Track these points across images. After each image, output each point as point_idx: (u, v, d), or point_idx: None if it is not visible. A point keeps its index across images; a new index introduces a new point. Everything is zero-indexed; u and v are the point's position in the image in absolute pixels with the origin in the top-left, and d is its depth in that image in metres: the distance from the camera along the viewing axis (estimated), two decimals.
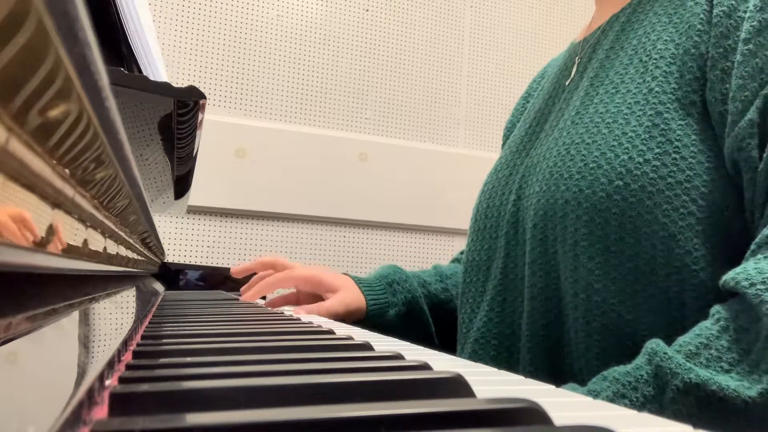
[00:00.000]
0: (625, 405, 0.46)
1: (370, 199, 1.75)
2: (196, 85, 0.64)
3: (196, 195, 1.47)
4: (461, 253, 1.02)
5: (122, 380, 0.23)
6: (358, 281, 0.89)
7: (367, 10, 1.81)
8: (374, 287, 0.88)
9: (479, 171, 1.95)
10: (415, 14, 1.87)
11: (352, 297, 0.86)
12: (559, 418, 0.19)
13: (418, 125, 1.85)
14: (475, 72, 1.93)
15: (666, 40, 0.61)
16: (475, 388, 0.23)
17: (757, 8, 0.55)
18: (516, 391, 0.29)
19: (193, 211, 1.60)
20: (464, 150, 1.89)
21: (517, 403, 0.19)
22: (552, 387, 0.30)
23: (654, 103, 0.59)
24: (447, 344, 0.90)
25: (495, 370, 0.35)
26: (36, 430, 0.15)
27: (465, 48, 1.92)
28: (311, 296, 0.90)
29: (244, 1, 1.68)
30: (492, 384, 0.30)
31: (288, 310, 0.85)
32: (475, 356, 0.72)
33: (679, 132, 0.57)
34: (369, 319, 0.86)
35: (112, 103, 0.20)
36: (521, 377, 0.33)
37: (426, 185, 1.81)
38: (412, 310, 0.89)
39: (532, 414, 0.19)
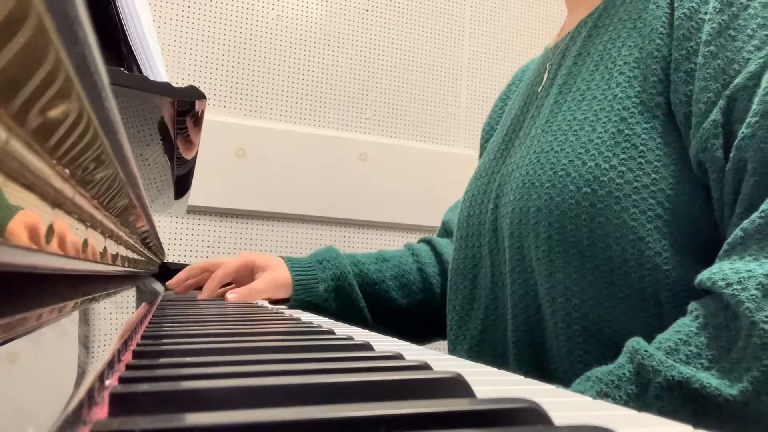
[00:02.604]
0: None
1: (370, 199, 1.75)
2: (196, 85, 0.64)
3: (196, 195, 1.46)
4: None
5: (122, 380, 0.23)
6: (288, 260, 0.93)
7: (367, 10, 1.81)
8: (303, 264, 0.93)
9: None
10: (415, 14, 1.87)
11: (278, 274, 0.91)
12: (559, 418, 0.19)
13: (418, 125, 1.85)
14: (475, 72, 1.93)
15: (630, 46, 0.62)
16: (475, 388, 0.23)
17: (717, 10, 0.55)
18: (516, 391, 0.29)
19: (193, 211, 1.60)
20: (464, 150, 1.89)
21: (517, 403, 0.19)
22: (552, 387, 0.30)
23: (618, 109, 0.60)
24: (380, 322, 0.94)
25: (495, 370, 0.35)
26: (36, 430, 0.15)
27: (465, 48, 1.92)
28: (249, 282, 0.93)
29: (244, 1, 1.68)
30: (492, 384, 0.30)
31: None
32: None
33: (644, 136, 0.58)
34: (297, 294, 0.90)
35: (112, 103, 0.20)
36: (521, 377, 0.33)
37: (426, 185, 1.81)
38: (341, 286, 0.92)
39: (532, 414, 0.19)
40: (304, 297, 0.90)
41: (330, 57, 1.76)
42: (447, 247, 1.00)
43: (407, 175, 1.79)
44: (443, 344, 0.99)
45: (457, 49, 1.91)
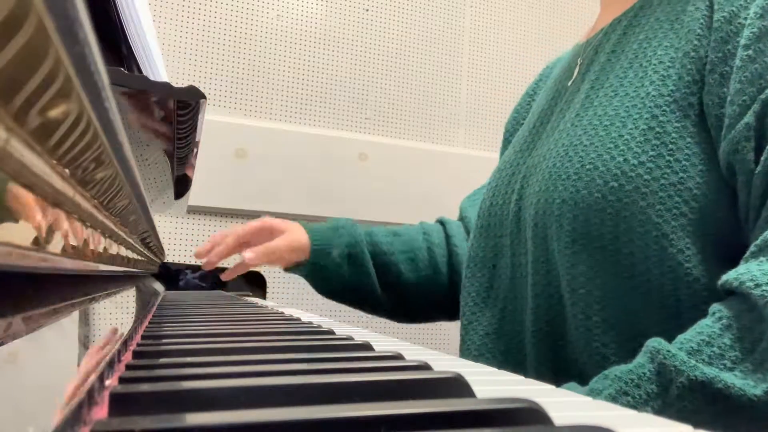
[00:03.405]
0: (628, 402, 0.47)
1: (370, 199, 1.75)
2: (196, 85, 0.64)
3: (196, 195, 1.46)
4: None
5: (122, 380, 0.23)
6: (305, 225, 0.97)
7: (367, 10, 1.81)
8: (320, 230, 0.97)
9: (479, 171, 1.96)
10: (415, 14, 1.87)
11: (297, 236, 0.94)
12: (559, 418, 0.19)
13: (418, 125, 1.85)
14: (475, 72, 1.93)
15: (666, 46, 0.62)
16: (475, 388, 0.23)
17: (758, 15, 0.56)
18: (516, 391, 0.29)
19: (193, 211, 1.60)
20: (464, 150, 1.89)
21: (517, 403, 0.19)
22: (552, 387, 0.30)
23: (650, 107, 0.60)
24: (389, 293, 0.98)
25: (495, 370, 0.35)
26: (36, 430, 0.15)
27: (465, 48, 1.92)
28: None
29: (244, 1, 1.68)
30: (492, 384, 0.30)
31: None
32: (484, 348, 0.74)
33: (674, 135, 0.58)
34: (313, 257, 0.94)
35: (112, 103, 0.20)
36: (521, 377, 0.33)
37: (426, 185, 1.81)
38: (353, 252, 0.96)
39: (532, 414, 0.19)
40: (319, 261, 0.94)
41: (330, 57, 1.76)
42: (458, 229, 1.03)
43: (407, 175, 1.79)
44: (446, 345, 1.00)
45: (457, 49, 1.91)
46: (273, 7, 1.71)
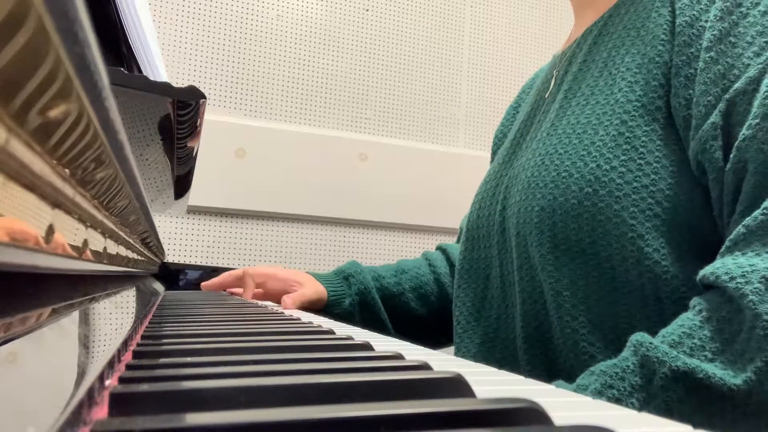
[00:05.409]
0: (613, 395, 0.48)
1: (370, 199, 1.75)
2: (196, 85, 0.64)
3: (196, 195, 1.46)
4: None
5: (122, 380, 0.23)
6: (318, 276, 1.03)
7: (367, 10, 1.81)
8: (332, 281, 1.02)
9: (479, 171, 1.96)
10: (415, 14, 1.87)
11: (318, 288, 1.00)
12: (559, 418, 0.19)
13: (418, 125, 1.85)
14: (475, 72, 1.93)
15: (633, 53, 0.65)
16: (475, 388, 0.23)
17: (717, 18, 0.58)
18: (516, 391, 0.29)
19: (193, 211, 1.60)
20: (464, 150, 1.89)
21: (517, 403, 0.19)
22: (552, 387, 0.30)
23: (620, 113, 0.62)
24: (400, 331, 1.02)
25: (495, 370, 0.35)
26: (36, 430, 0.15)
27: (465, 48, 1.92)
28: (277, 292, 1.02)
29: (244, 1, 1.68)
30: (492, 384, 0.30)
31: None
32: (480, 357, 0.77)
33: (643, 138, 0.61)
34: (328, 307, 0.99)
35: (112, 103, 0.20)
36: (521, 377, 0.33)
37: (426, 185, 1.81)
38: (364, 300, 1.00)
39: (532, 414, 0.19)
40: (334, 310, 1.00)
41: (330, 57, 1.76)
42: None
43: (407, 176, 1.79)
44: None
45: (457, 49, 1.91)
46: (273, 7, 1.71)
